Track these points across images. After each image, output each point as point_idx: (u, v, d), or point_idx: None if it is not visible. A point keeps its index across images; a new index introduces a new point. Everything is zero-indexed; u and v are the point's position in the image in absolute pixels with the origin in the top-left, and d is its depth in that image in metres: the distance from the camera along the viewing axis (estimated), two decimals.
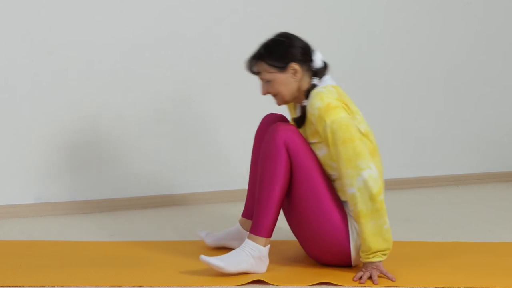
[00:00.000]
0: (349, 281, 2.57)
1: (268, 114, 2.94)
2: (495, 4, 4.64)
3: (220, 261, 2.56)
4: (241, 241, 2.82)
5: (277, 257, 2.87)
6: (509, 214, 3.77)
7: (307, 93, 2.67)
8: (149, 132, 3.91)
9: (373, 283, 2.54)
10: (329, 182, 2.63)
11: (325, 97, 2.58)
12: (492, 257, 2.92)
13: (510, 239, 3.21)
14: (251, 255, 2.59)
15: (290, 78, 2.68)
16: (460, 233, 3.35)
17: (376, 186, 2.52)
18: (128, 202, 3.85)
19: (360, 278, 2.56)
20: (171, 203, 3.92)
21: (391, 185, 4.42)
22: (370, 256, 2.56)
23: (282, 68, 2.67)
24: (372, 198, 2.51)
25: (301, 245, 2.76)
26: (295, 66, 2.67)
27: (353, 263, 2.68)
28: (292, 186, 2.61)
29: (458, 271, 2.71)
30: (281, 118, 2.90)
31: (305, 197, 2.60)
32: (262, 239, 2.60)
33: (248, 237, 2.61)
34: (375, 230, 2.53)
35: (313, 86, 2.67)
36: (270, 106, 2.91)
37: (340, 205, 2.63)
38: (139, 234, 3.30)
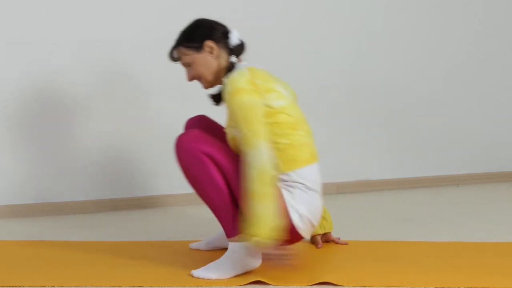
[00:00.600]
0: (349, 281, 2.57)
1: (188, 120, 2.97)
2: (495, 4, 4.64)
3: (213, 273, 2.56)
4: None
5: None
6: (509, 214, 3.77)
7: (227, 71, 2.71)
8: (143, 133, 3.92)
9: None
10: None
11: (236, 81, 2.59)
12: (492, 257, 2.91)
13: (510, 239, 3.20)
14: (241, 255, 2.59)
15: (208, 57, 2.71)
16: (460, 233, 3.34)
17: (266, 161, 2.47)
18: (129, 202, 3.86)
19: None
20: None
21: (391, 185, 4.44)
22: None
23: (198, 47, 2.71)
24: (260, 162, 2.47)
25: None
26: (210, 43, 2.70)
27: (305, 236, 2.66)
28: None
29: (458, 271, 2.70)
30: (200, 120, 2.94)
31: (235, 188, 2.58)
32: (242, 236, 2.58)
33: (229, 241, 2.61)
34: (261, 193, 2.47)
35: (232, 64, 2.72)
36: None
37: None
38: (137, 234, 3.30)
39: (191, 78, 2.78)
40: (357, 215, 3.77)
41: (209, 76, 2.74)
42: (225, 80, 2.66)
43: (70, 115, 3.77)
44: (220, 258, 2.62)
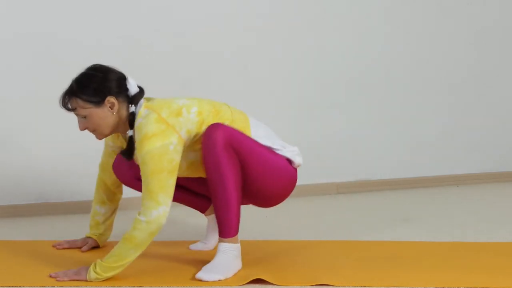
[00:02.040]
0: (349, 281, 2.56)
1: None
2: (495, 4, 4.63)
3: (216, 274, 2.58)
4: None
5: (278, 257, 2.88)
6: (509, 214, 3.77)
7: (130, 122, 2.64)
8: None
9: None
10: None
11: (143, 127, 2.55)
12: (492, 257, 2.91)
13: (510, 239, 3.20)
14: (234, 257, 2.64)
15: (108, 112, 2.62)
16: (460, 233, 3.34)
17: (160, 225, 2.53)
18: (130, 202, 3.85)
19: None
20: None
21: (391, 185, 4.43)
22: (97, 269, 2.55)
23: (98, 103, 2.60)
24: (151, 234, 2.52)
25: (260, 202, 2.82)
26: (111, 99, 2.61)
27: (296, 164, 2.75)
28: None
29: (458, 271, 2.70)
30: None
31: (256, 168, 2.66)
32: (235, 238, 2.64)
33: (222, 241, 2.64)
34: (123, 256, 2.53)
35: (132, 114, 2.63)
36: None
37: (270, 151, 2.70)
38: None
39: (84, 129, 2.66)
40: (357, 215, 3.76)
41: (106, 130, 2.66)
42: (130, 132, 2.64)
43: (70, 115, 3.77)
44: (217, 259, 2.63)
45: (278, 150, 2.72)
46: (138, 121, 2.59)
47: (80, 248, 3.01)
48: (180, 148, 2.58)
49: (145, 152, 2.52)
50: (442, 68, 4.55)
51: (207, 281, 2.56)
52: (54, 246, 3.04)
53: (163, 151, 2.52)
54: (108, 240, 3.09)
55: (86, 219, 3.53)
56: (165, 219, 2.53)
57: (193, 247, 3.04)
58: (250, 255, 2.81)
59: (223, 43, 4.03)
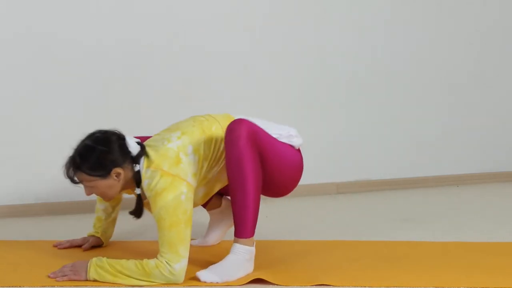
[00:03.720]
0: (350, 281, 2.56)
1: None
2: (495, 4, 4.62)
3: (217, 276, 2.57)
4: (225, 216, 3.00)
5: (278, 257, 2.87)
6: (510, 214, 3.77)
7: (136, 181, 2.63)
8: None
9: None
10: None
11: (152, 187, 2.56)
12: (493, 257, 2.91)
13: (510, 239, 3.20)
14: (245, 259, 2.60)
15: (114, 181, 2.62)
16: (460, 233, 3.34)
17: (179, 278, 2.53)
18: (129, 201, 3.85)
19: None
20: None
21: (391, 185, 4.43)
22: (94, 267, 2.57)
23: (104, 175, 2.60)
24: (166, 280, 2.52)
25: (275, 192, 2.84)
26: (117, 170, 2.60)
27: (296, 147, 2.79)
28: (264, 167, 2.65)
29: (458, 271, 2.70)
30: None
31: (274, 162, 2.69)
32: (250, 240, 2.61)
33: (236, 242, 2.61)
34: (128, 276, 2.54)
35: (138, 173, 2.62)
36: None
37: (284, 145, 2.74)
38: (138, 234, 3.30)
39: (91, 194, 2.68)
40: (357, 215, 3.76)
41: (113, 195, 2.68)
42: (137, 190, 2.65)
43: (71, 114, 3.77)
44: (225, 260, 2.61)
45: (281, 135, 2.74)
46: (144, 183, 2.60)
47: (80, 246, 3.01)
48: (191, 195, 2.59)
49: (159, 208, 2.54)
50: (442, 68, 4.55)
51: (204, 282, 2.56)
52: (55, 246, 3.04)
53: (176, 203, 2.53)
54: (111, 239, 3.10)
55: (87, 219, 3.54)
56: (184, 273, 2.54)
57: (195, 243, 3.05)
58: None
59: (223, 43, 4.02)
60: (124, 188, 2.68)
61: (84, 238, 3.04)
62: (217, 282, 2.56)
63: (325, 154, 4.29)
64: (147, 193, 2.59)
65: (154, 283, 2.52)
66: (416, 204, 4.04)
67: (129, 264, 2.54)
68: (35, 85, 3.71)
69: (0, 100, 3.68)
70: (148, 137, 2.82)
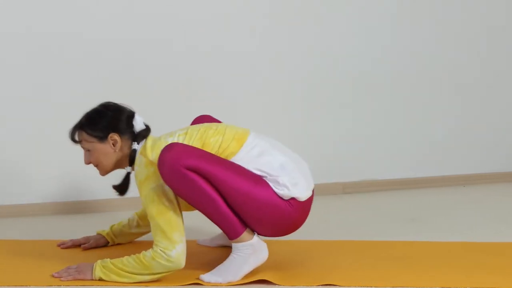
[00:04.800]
0: (355, 281, 2.55)
1: (194, 120, 2.95)
2: (502, 4, 4.60)
3: (220, 277, 2.56)
4: None
5: (282, 257, 2.87)
6: None
7: (130, 159, 2.68)
8: None
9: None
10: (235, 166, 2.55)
11: (137, 174, 2.61)
12: (497, 257, 2.90)
13: None
14: (248, 255, 2.57)
15: (109, 149, 2.68)
16: (466, 233, 3.32)
17: (179, 264, 2.51)
18: (129, 202, 3.83)
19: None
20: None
21: (397, 185, 4.42)
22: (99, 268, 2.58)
23: (101, 138, 2.68)
24: (166, 269, 2.52)
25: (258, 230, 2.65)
26: (115, 136, 2.67)
27: (285, 196, 2.56)
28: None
29: (460, 271, 2.70)
30: (203, 119, 2.91)
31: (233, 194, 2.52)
32: (245, 234, 2.57)
33: (233, 242, 2.58)
34: (130, 272, 2.54)
35: (134, 151, 2.67)
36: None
37: (253, 176, 2.54)
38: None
39: (89, 163, 2.75)
40: (363, 215, 3.74)
41: (108, 166, 2.72)
42: (128, 168, 2.69)
43: (71, 115, 3.75)
44: (227, 260, 2.60)
45: (267, 177, 2.55)
46: (135, 169, 2.66)
47: (83, 244, 3.03)
48: None
49: (144, 197, 2.57)
50: (449, 68, 4.53)
51: (208, 283, 2.55)
52: (58, 246, 3.06)
53: (159, 192, 2.55)
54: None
55: (91, 219, 3.55)
56: (184, 257, 2.53)
57: (201, 241, 3.07)
58: None
59: (223, 43, 4.01)
60: (119, 164, 2.72)
61: (86, 238, 3.05)
62: (220, 283, 2.55)
63: (331, 154, 4.28)
64: (135, 180, 2.63)
65: (156, 275, 2.53)
66: (422, 204, 4.03)
67: (129, 260, 2.56)
68: (35, 85, 3.70)
69: (0, 100, 3.67)
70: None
